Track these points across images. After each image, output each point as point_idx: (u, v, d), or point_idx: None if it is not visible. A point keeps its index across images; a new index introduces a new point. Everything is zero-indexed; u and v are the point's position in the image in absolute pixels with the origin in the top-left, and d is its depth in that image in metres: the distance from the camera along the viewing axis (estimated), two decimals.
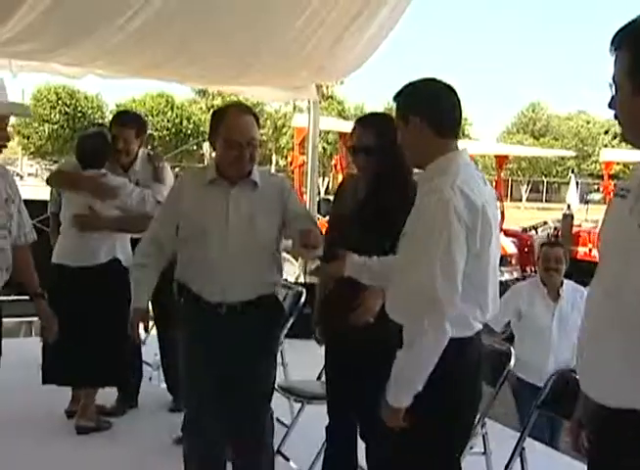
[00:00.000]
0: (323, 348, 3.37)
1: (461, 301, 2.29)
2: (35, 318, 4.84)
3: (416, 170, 2.82)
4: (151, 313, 4.84)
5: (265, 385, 3.18)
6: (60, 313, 4.22)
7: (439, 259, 2.23)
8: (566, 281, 4.76)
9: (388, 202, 2.98)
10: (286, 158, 33.70)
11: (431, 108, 2.41)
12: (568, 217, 11.16)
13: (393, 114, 2.57)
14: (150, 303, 4.66)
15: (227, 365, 3.05)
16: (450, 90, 2.45)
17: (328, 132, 23.99)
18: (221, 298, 3.02)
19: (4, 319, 6.25)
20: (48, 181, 4.61)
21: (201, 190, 3.10)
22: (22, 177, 42.63)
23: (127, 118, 4.62)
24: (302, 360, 4.16)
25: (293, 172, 10.11)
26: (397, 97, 2.49)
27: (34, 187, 19.48)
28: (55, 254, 4.30)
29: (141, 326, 3.33)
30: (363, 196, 3.15)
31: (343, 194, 3.32)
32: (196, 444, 3.19)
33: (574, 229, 11.21)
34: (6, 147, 2.99)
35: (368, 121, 3.15)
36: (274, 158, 39.63)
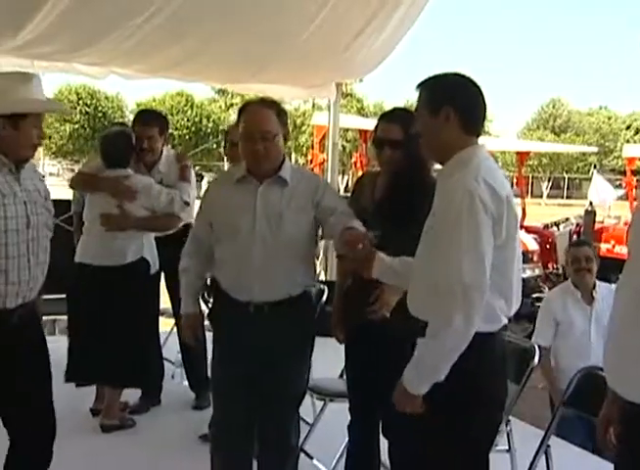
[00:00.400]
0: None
1: (489, 292, 2.27)
2: (61, 317, 4.89)
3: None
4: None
5: (294, 388, 3.14)
6: (80, 312, 4.27)
7: (468, 251, 2.20)
8: (598, 282, 4.64)
9: (407, 200, 2.98)
10: (305, 156, 33.71)
11: (463, 101, 2.40)
12: (590, 214, 11.05)
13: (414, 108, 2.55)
14: (171, 300, 4.72)
15: (255, 366, 3.04)
16: (479, 88, 2.44)
17: (347, 130, 23.96)
18: (249, 297, 3.00)
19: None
20: (70, 184, 4.64)
21: (230, 188, 3.09)
22: (43, 177, 42.98)
23: (150, 117, 4.63)
24: (324, 358, 4.14)
25: (312, 170, 10.12)
26: (425, 86, 2.45)
27: (56, 186, 19.59)
28: (77, 253, 4.33)
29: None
30: (381, 193, 3.15)
31: (362, 189, 3.30)
32: (222, 441, 3.20)
33: (597, 225, 11.11)
34: (41, 145, 2.96)
35: (394, 116, 3.14)
36: (293, 156, 39.69)
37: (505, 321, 2.41)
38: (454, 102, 2.37)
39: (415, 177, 3.00)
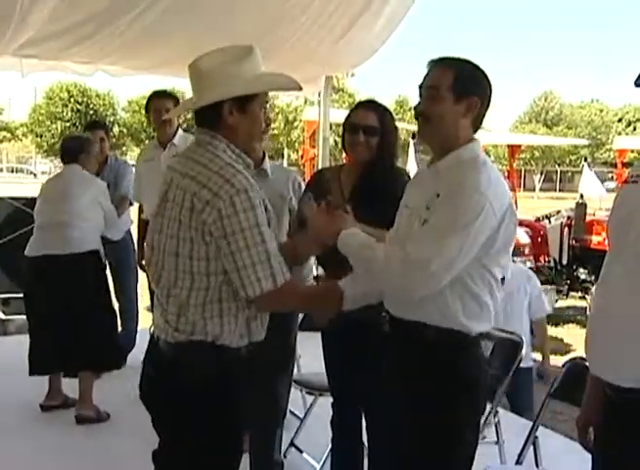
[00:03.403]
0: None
1: (491, 298, 2.28)
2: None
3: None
4: None
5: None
6: (43, 305, 4.44)
7: (461, 245, 2.11)
8: (511, 264, 4.81)
9: (382, 193, 2.92)
10: (297, 151, 33.71)
11: (488, 96, 2.29)
12: (581, 206, 11.06)
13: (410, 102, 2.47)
14: None
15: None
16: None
17: (339, 125, 23.94)
18: None
19: (19, 316, 6.32)
20: None
21: None
22: (35, 175, 42.89)
23: (165, 92, 5.17)
24: (315, 353, 4.16)
25: (304, 166, 10.14)
26: (455, 67, 2.25)
27: None
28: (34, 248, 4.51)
29: None
30: (353, 188, 3.09)
31: (326, 185, 3.19)
32: None
33: (588, 218, 11.12)
34: (267, 132, 2.47)
35: (370, 105, 3.13)
36: (285, 151, 39.64)
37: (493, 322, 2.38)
38: (483, 94, 2.26)
39: (388, 171, 3.00)
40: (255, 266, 2.09)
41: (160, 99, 4.99)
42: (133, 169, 5.49)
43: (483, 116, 2.30)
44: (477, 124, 2.29)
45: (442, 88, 2.21)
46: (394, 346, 2.39)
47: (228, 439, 2.26)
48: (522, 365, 4.52)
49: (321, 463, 3.71)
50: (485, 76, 2.29)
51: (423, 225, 2.19)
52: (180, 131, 5.05)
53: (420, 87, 2.29)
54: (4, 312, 6.96)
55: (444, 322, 2.23)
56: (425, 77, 2.28)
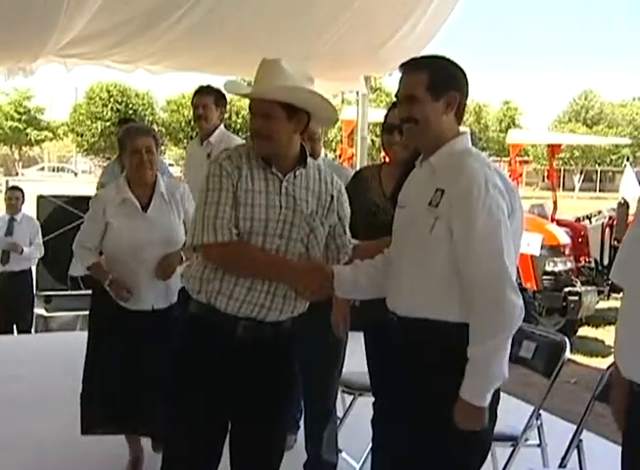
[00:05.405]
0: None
1: None
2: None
3: None
4: None
5: None
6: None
7: (506, 242, 2.14)
8: None
9: None
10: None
11: (465, 88, 2.33)
12: (623, 206, 10.86)
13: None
14: None
15: None
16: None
17: (376, 124, 23.85)
18: None
19: (61, 313, 6.41)
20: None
21: None
22: (76, 174, 43.54)
23: (206, 87, 4.87)
24: (355, 352, 4.16)
25: (342, 165, 10.11)
26: (426, 67, 2.29)
27: (87, 184, 19.91)
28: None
29: None
30: (393, 185, 3.10)
31: (366, 184, 3.27)
32: None
33: (630, 218, 10.93)
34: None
35: None
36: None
37: None
38: (460, 88, 2.30)
39: None
40: (202, 221, 2.40)
41: (199, 95, 4.85)
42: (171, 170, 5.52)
43: (465, 106, 2.35)
44: (461, 117, 2.34)
45: (419, 91, 2.26)
46: (405, 347, 2.35)
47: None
48: None
49: (361, 463, 3.70)
50: (459, 68, 2.33)
51: (435, 223, 2.20)
52: (221, 129, 4.85)
53: (396, 95, 2.37)
54: (46, 310, 7.06)
55: (462, 317, 2.20)
56: (400, 84, 2.34)
